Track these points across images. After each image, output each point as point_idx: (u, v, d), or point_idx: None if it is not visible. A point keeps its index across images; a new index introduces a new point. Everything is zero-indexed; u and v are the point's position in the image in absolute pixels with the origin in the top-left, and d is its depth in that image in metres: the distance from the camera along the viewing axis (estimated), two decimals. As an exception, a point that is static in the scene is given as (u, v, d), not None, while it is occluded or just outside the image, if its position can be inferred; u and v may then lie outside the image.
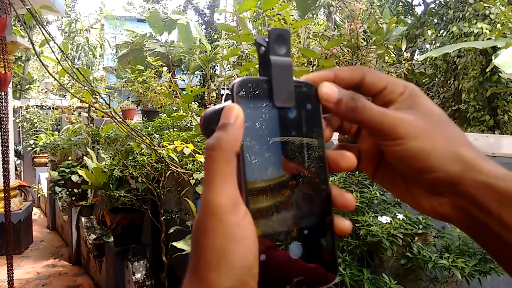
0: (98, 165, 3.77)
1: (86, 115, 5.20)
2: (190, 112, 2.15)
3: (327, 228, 0.37)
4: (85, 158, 4.11)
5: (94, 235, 4.78)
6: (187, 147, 2.67)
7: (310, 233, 0.36)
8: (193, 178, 2.79)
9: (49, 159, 6.75)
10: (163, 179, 3.43)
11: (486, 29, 6.29)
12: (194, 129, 2.33)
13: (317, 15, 8.68)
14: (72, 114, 6.11)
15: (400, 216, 1.33)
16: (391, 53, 2.11)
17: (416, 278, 1.39)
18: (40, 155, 8.53)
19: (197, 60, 11.80)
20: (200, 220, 0.32)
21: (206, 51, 11.67)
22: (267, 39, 0.36)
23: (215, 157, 0.32)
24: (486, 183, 0.33)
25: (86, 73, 2.11)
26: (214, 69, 14.54)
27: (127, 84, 4.64)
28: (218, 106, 0.40)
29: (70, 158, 5.48)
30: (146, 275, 3.70)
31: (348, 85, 0.37)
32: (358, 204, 1.48)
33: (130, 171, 3.05)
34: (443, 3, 7.49)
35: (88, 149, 4.30)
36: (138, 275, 3.67)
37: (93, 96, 2.10)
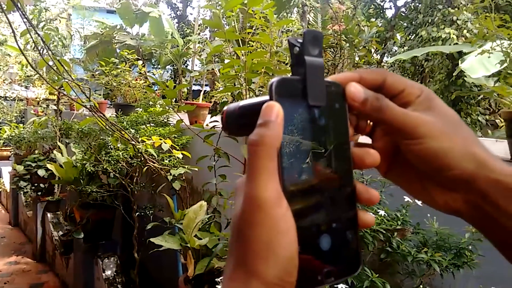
0: (69, 160, 3.67)
1: (55, 107, 5.03)
2: (172, 107, 2.14)
3: (352, 221, 0.39)
4: (54, 152, 3.98)
5: (61, 231, 4.65)
6: (165, 142, 2.65)
7: (338, 226, 0.38)
8: (170, 174, 2.78)
9: (12, 152, 6.48)
10: (137, 174, 3.39)
11: (453, 34, 6.54)
12: (175, 124, 2.32)
13: (291, 14, 8.75)
14: (40, 106, 5.88)
15: (381, 212, 1.38)
16: (371, 54, 2.18)
17: (393, 272, 1.45)
18: (2, 148, 8.18)
19: (169, 54, 11.63)
20: (245, 213, 0.34)
21: (178, 46, 11.53)
22: (299, 40, 0.38)
23: (259, 153, 0.33)
24: (497, 180, 0.36)
25: (67, 64, 2.05)
26: (186, 64, 14.39)
27: (99, 77, 4.52)
28: (245, 102, 0.41)
29: (36, 151, 5.28)
30: (117, 272, 3.64)
31: (371, 86, 0.40)
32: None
33: (105, 166, 2.99)
34: (413, 7, 7.73)
35: (58, 143, 4.17)
36: (108, 272, 3.60)
37: (73, 89, 2.05)
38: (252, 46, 2.57)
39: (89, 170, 3.25)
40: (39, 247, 5.66)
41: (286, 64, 2.53)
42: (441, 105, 0.39)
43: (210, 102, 4.28)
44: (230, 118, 0.42)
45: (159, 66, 13.44)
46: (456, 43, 6.38)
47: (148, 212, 3.38)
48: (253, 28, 2.50)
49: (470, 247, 1.36)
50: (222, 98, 3.40)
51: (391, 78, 0.40)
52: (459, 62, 5.43)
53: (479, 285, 1.44)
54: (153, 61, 13.74)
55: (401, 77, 0.41)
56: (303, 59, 0.37)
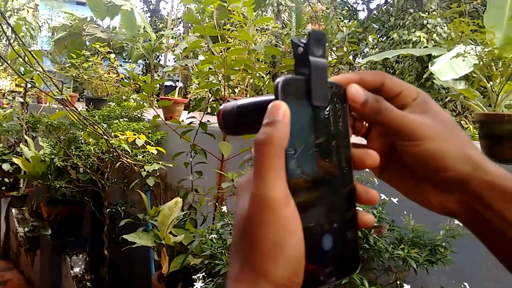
0: (36, 154, 3.54)
1: (22, 100, 4.84)
2: (149, 102, 2.10)
3: (353, 222, 0.39)
4: (21, 145, 3.83)
5: (27, 228, 4.49)
6: (139, 138, 2.59)
7: (339, 226, 0.38)
8: (144, 170, 2.73)
9: (-27, 145, 6.20)
10: (108, 170, 3.31)
11: (423, 37, 6.74)
12: (152, 120, 2.28)
13: (266, 13, 8.77)
14: (5, 98, 5.64)
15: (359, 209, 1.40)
16: (348, 55, 2.22)
17: (370, 268, 1.48)
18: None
19: (141, 48, 11.45)
20: (253, 213, 0.34)
21: (150, 40, 11.36)
22: (302, 41, 0.38)
23: (266, 152, 0.33)
24: (491, 182, 0.37)
25: (39, 56, 1.97)
26: (158, 59, 14.18)
27: (68, 69, 4.39)
28: (244, 102, 0.42)
29: (0, 145, 5.07)
30: (86, 270, 3.55)
31: (370, 88, 0.40)
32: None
33: (75, 161, 2.91)
34: (385, 10, 7.90)
35: (26, 137, 4.01)
36: (76, 270, 3.51)
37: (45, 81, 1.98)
38: (230, 43, 2.55)
39: (58, 165, 3.15)
40: (3, 244, 5.44)
41: (261, 61, 2.54)
42: (437, 108, 0.41)
43: (185, 98, 4.24)
44: (227, 117, 0.42)
45: (130, 60, 13.20)
46: (426, 46, 6.58)
47: (119, 209, 3.31)
48: (232, 25, 2.49)
49: (443, 244, 1.40)
50: (199, 94, 3.37)
51: (389, 80, 0.41)
52: (429, 65, 5.61)
53: (450, 280, 1.49)
54: (124, 55, 13.48)
55: (398, 79, 0.42)
56: (307, 59, 0.37)
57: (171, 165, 2.74)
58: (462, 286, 1.40)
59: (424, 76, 6.14)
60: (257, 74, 2.34)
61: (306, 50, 0.37)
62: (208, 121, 2.27)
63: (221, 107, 0.43)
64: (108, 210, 3.33)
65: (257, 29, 3.34)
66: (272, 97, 0.37)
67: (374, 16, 8.83)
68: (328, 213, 0.37)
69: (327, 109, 0.38)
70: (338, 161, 0.39)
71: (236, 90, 2.52)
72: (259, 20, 2.35)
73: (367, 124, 0.44)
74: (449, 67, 4.94)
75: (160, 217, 2.30)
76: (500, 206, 0.37)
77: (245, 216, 0.34)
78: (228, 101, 2.34)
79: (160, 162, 2.79)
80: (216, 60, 1.95)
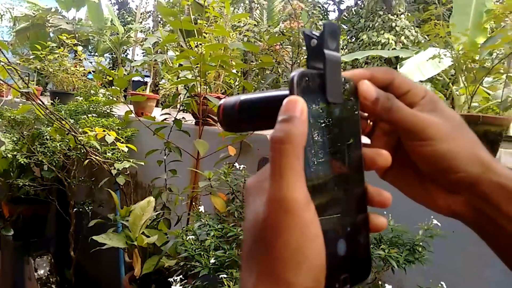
0: (-3, 150, 3.35)
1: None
2: (122, 98, 2.01)
3: (365, 225, 0.37)
4: (-21, 141, 3.61)
5: (-15, 228, 4.25)
6: (109, 134, 2.50)
7: (352, 230, 0.36)
8: (114, 168, 2.63)
9: None
10: (75, 167, 3.18)
11: (392, 39, 6.89)
12: (124, 116, 2.19)
13: (238, 10, 8.73)
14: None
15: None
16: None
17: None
18: None
19: (108, 42, 11.16)
20: (271, 218, 0.31)
21: (118, 33, 11.09)
22: (315, 33, 0.36)
23: (285, 151, 0.31)
24: (500, 183, 0.36)
25: (5, 47, 1.84)
26: (126, 53, 13.84)
27: (32, 61, 4.18)
28: (248, 97, 0.39)
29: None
30: (50, 272, 3.41)
31: (380, 85, 0.38)
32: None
33: (40, 158, 2.77)
34: (355, 12, 8.03)
35: (-15, 132, 3.79)
36: (41, 271, 3.36)
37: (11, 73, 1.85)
38: (205, 38, 2.50)
39: (21, 162, 2.99)
40: (-42, 245, 5.14)
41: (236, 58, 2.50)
42: (445, 108, 0.39)
43: (155, 93, 4.13)
44: (229, 113, 0.40)
45: (96, 54, 12.83)
46: (394, 48, 6.74)
47: (86, 208, 3.19)
48: (207, 21, 2.44)
49: (421, 243, 1.42)
50: (172, 91, 3.29)
51: (398, 78, 0.39)
52: (398, 66, 5.74)
53: (426, 279, 1.50)
54: (90, 48, 13.09)
55: (407, 77, 0.41)
56: (322, 52, 0.35)
57: (143, 163, 2.66)
58: (439, 285, 1.42)
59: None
60: (233, 71, 2.30)
61: (320, 42, 0.35)
62: (183, 118, 2.20)
63: (221, 102, 0.41)
64: (74, 209, 3.20)
65: (232, 26, 3.29)
66: (281, 92, 0.35)
67: (345, 17, 8.96)
68: (342, 216, 0.35)
69: (340, 106, 0.36)
70: (350, 161, 0.37)
71: (212, 87, 2.47)
72: (236, 16, 2.30)
73: (371, 123, 0.42)
74: (417, 69, 5.09)
75: (132, 217, 2.22)
76: (508, 208, 0.36)
77: (261, 220, 0.31)
78: (220, 96, 2.29)
79: (131, 160, 2.70)
80: (193, 55, 1.89)
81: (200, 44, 2.41)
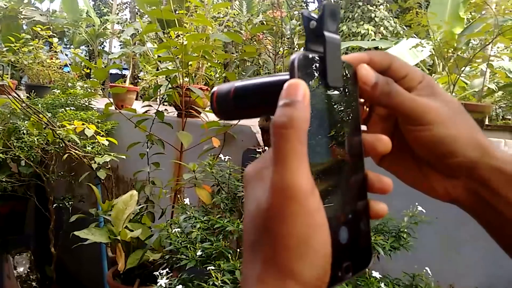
0: (-29, 146, 3.23)
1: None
2: (101, 90, 1.96)
3: (365, 212, 0.37)
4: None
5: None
6: (88, 128, 2.44)
7: (353, 217, 0.35)
8: (95, 162, 2.58)
9: None
10: (53, 162, 3.11)
11: (372, 30, 6.94)
12: (104, 108, 2.14)
13: (217, 0, 8.61)
14: None
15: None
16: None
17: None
18: None
19: (83, 34, 10.90)
20: (275, 206, 0.30)
21: (94, 25, 10.84)
22: (313, 15, 0.35)
23: (288, 136, 0.30)
24: (498, 167, 0.36)
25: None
26: (103, 46, 13.54)
27: (5, 54, 4.03)
28: (243, 83, 0.38)
29: None
30: (30, 269, 3.33)
31: (378, 69, 0.38)
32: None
33: (16, 153, 2.69)
34: (335, 2, 8.05)
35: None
36: (20, 269, 3.28)
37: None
38: (186, 28, 2.45)
39: (-1, 158, 2.90)
40: None
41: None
42: (443, 92, 0.39)
43: (136, 86, 4.05)
44: (223, 101, 0.39)
45: (72, 46, 12.53)
46: (374, 39, 6.79)
47: (66, 203, 3.12)
48: (187, 10, 2.39)
49: (406, 230, 1.43)
50: (153, 82, 3.22)
51: (396, 62, 0.38)
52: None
53: (408, 264, 1.53)
54: (65, 40, 12.77)
55: (404, 61, 0.40)
56: (321, 34, 0.33)
57: (124, 157, 2.61)
58: (424, 270, 1.44)
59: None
60: (215, 61, 2.26)
61: (320, 24, 0.34)
62: (165, 109, 2.17)
63: (214, 89, 0.40)
64: (54, 205, 3.13)
65: (212, 17, 3.25)
66: (279, 77, 0.35)
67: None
68: (343, 203, 0.35)
69: (340, 90, 0.35)
70: (350, 147, 0.36)
71: (193, 78, 2.43)
72: (218, 5, 2.27)
73: (367, 108, 0.42)
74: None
75: (114, 211, 2.18)
76: (507, 193, 0.36)
77: (264, 209, 0.30)
78: (202, 88, 2.24)
79: (112, 154, 2.64)
80: (174, 45, 1.85)
81: (181, 34, 2.37)
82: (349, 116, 0.36)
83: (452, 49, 1.74)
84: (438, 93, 0.38)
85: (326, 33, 0.33)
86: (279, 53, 1.93)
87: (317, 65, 0.33)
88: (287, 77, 0.33)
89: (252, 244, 0.32)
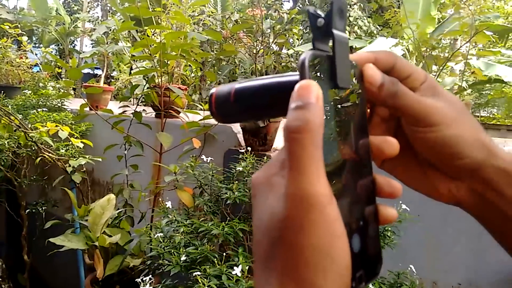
0: None
1: None
2: (76, 90, 1.88)
3: (375, 218, 0.35)
4: None
5: None
6: (62, 130, 2.35)
7: (364, 224, 0.34)
8: (69, 165, 2.49)
9: None
10: (25, 166, 2.98)
11: (346, 29, 7.00)
12: (79, 109, 2.05)
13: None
14: None
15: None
16: (289, 44, 2.19)
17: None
18: None
19: (53, 32, 10.62)
20: (292, 214, 0.28)
21: (64, 24, 10.56)
22: (319, 12, 0.32)
23: (303, 141, 0.28)
24: (503, 168, 0.36)
25: None
26: (73, 44, 13.20)
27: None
28: (244, 85, 0.36)
29: None
30: (2, 277, 3.20)
31: (383, 69, 0.36)
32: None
33: (-15, 157, 2.56)
34: (309, 2, 8.09)
35: None
36: (-9, 279, 3.14)
37: None
38: (163, 26, 2.39)
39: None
40: None
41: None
42: (446, 92, 0.38)
43: (109, 85, 3.95)
44: (223, 103, 0.37)
45: (41, 45, 12.17)
46: (349, 38, 6.82)
47: (39, 209, 3.01)
48: (164, 8, 2.34)
49: (391, 228, 1.44)
50: (127, 82, 3.14)
51: (400, 61, 0.37)
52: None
53: (393, 263, 1.53)
54: (34, 39, 12.39)
55: (407, 61, 0.39)
56: (330, 33, 0.32)
57: (100, 159, 2.52)
58: (409, 268, 1.45)
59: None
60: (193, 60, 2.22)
61: (328, 22, 0.32)
62: (143, 110, 2.11)
63: (213, 91, 0.37)
64: (27, 210, 3.01)
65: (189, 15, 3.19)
66: (285, 78, 0.33)
67: (299, 7, 9.01)
68: (354, 210, 0.33)
69: (349, 91, 0.33)
70: (359, 151, 0.34)
71: (172, 77, 2.37)
72: (196, 3, 2.22)
73: (368, 110, 0.40)
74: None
75: (91, 216, 2.11)
76: (511, 192, 0.36)
77: (280, 219, 0.28)
78: (181, 87, 2.18)
79: (87, 156, 2.56)
80: (153, 43, 1.80)
81: (158, 32, 2.31)
82: (357, 118, 0.34)
83: (431, 48, 1.75)
84: (442, 93, 0.37)
85: (335, 32, 0.32)
86: (259, 52, 1.90)
87: (326, 65, 0.31)
88: (295, 77, 0.32)
89: (266, 257, 0.29)
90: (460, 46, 1.62)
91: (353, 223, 0.32)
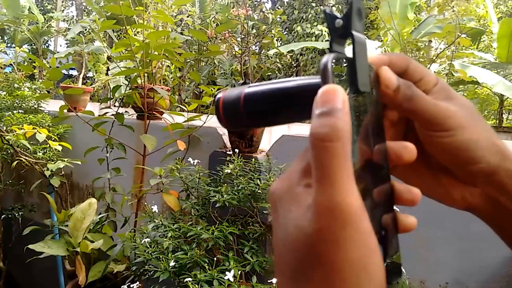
0: None
1: None
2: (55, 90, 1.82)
3: (394, 226, 0.34)
4: None
5: None
6: (39, 132, 2.27)
7: (386, 233, 0.32)
8: (47, 169, 2.40)
9: None
10: (0, 170, 2.87)
11: (325, 31, 7.06)
12: (59, 111, 1.98)
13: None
14: None
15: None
16: (274, 43, 2.18)
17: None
18: None
19: (26, 32, 10.32)
20: (324, 228, 0.26)
21: (37, 23, 10.29)
22: (333, 13, 0.31)
23: (334, 150, 0.26)
24: None
25: None
26: (47, 44, 12.87)
27: None
28: (256, 89, 0.34)
29: None
30: (-25, 286, 3.06)
31: (397, 72, 0.35)
32: (259, 191, 1.48)
33: (-43, 162, 2.45)
34: (288, 3, 8.11)
35: None
36: (-37, 288, 3.00)
37: None
38: (145, 25, 2.34)
39: None
40: None
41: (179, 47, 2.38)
42: (458, 95, 0.37)
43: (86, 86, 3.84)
44: (232, 109, 0.35)
45: (13, 45, 11.82)
46: (327, 40, 6.90)
47: (16, 214, 2.90)
48: (145, 7, 2.29)
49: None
50: (107, 83, 3.06)
51: (413, 64, 0.36)
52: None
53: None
54: (5, 38, 12.03)
55: (419, 64, 0.38)
56: (350, 34, 0.30)
57: (79, 162, 2.45)
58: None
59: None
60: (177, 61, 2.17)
61: (347, 23, 0.30)
62: (126, 111, 2.05)
63: (219, 95, 0.36)
64: (2, 216, 2.89)
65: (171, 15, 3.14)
66: (301, 82, 0.32)
67: (278, 8, 9.04)
68: (378, 219, 0.31)
69: (367, 95, 0.32)
70: (376, 157, 0.33)
71: (155, 78, 2.32)
72: (177, 2, 2.18)
73: None
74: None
75: (72, 221, 2.04)
76: None
77: (309, 233, 0.26)
78: (163, 88, 2.13)
79: (66, 159, 2.47)
80: (135, 42, 1.75)
81: (140, 32, 2.26)
82: (375, 123, 0.33)
83: (416, 49, 1.77)
84: (454, 96, 0.36)
85: (355, 33, 0.30)
86: (244, 52, 1.88)
87: (347, 68, 0.30)
88: (313, 81, 0.31)
89: (294, 273, 0.27)
90: (445, 48, 1.64)
91: (376, 233, 0.31)
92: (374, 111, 0.33)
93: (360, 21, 0.31)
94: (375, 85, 0.34)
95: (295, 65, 8.16)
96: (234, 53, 2.07)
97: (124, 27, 1.80)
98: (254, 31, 1.91)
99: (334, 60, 0.28)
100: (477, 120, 0.36)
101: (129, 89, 2.09)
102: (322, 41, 6.99)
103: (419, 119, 0.35)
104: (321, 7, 7.20)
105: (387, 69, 0.34)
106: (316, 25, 7.26)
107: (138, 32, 2.32)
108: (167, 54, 1.97)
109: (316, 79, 0.31)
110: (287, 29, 8.38)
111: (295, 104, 0.31)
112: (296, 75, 7.94)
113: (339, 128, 0.26)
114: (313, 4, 7.39)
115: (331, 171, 0.26)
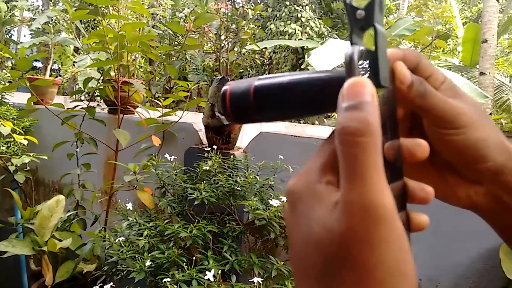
0: None
1: None
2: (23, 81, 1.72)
3: (407, 225, 0.33)
4: None
5: None
6: (4, 125, 2.15)
7: None
8: (12, 164, 2.28)
9: None
10: (-42, 165, 2.71)
11: (298, 30, 7.10)
12: (27, 104, 1.88)
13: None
14: None
15: (284, 198, 1.36)
16: (253, 39, 2.15)
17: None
18: None
19: (-14, 20, 9.87)
20: (356, 228, 0.25)
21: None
22: (354, 4, 0.30)
23: (366, 145, 0.25)
24: None
25: None
26: (10, 34, 12.35)
27: None
28: (267, 81, 0.33)
29: None
30: None
31: (409, 67, 0.34)
32: (238, 188, 1.45)
33: None
34: (261, 1, 8.11)
35: None
36: None
37: None
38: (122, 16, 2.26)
39: None
40: None
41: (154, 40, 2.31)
42: (465, 93, 0.37)
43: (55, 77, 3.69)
44: (241, 102, 0.33)
45: (-28, 34, 11.26)
46: (301, 39, 6.97)
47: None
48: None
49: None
50: (76, 75, 2.94)
51: (423, 60, 0.35)
52: (306, 56, 5.95)
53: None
54: (-37, 27, 11.43)
55: (428, 60, 0.37)
56: (372, 26, 0.29)
57: (46, 157, 2.34)
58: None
59: (303, 66, 6.49)
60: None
61: (369, 14, 0.29)
62: (98, 105, 1.97)
63: (226, 88, 0.34)
64: (-41, 214, 2.73)
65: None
66: (319, 74, 0.31)
67: (253, 5, 9.03)
68: None
69: (385, 91, 0.31)
70: (392, 154, 0.32)
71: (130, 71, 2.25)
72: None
73: None
74: (324, 59, 5.32)
75: (38, 219, 1.95)
76: None
77: (338, 232, 0.25)
78: (138, 82, 2.05)
79: (31, 154, 2.36)
80: (110, 33, 1.68)
81: (111, 24, 2.18)
82: (391, 118, 0.32)
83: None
84: (462, 94, 0.36)
85: (377, 25, 0.29)
86: (222, 47, 1.84)
87: (370, 61, 0.29)
88: (329, 74, 0.30)
89: (321, 276, 0.26)
90: (423, 49, 1.65)
91: None
92: (390, 106, 0.32)
93: (381, 13, 0.30)
94: (393, 81, 0.33)
95: (267, 63, 8.18)
96: (206, 48, 2.03)
97: (95, 18, 1.72)
98: (234, 26, 1.88)
99: (360, 53, 0.27)
100: (485, 119, 0.35)
101: (102, 81, 2.01)
102: (295, 39, 7.03)
103: (430, 116, 0.35)
104: (295, 6, 7.24)
105: (402, 64, 0.33)
106: (290, 24, 7.29)
107: (109, 23, 2.24)
108: (142, 47, 1.91)
109: (332, 73, 0.30)
110: (260, 27, 8.39)
111: (313, 98, 0.30)
112: (269, 73, 7.95)
113: (370, 122, 0.25)
114: (287, 3, 7.42)
115: (363, 167, 0.25)
